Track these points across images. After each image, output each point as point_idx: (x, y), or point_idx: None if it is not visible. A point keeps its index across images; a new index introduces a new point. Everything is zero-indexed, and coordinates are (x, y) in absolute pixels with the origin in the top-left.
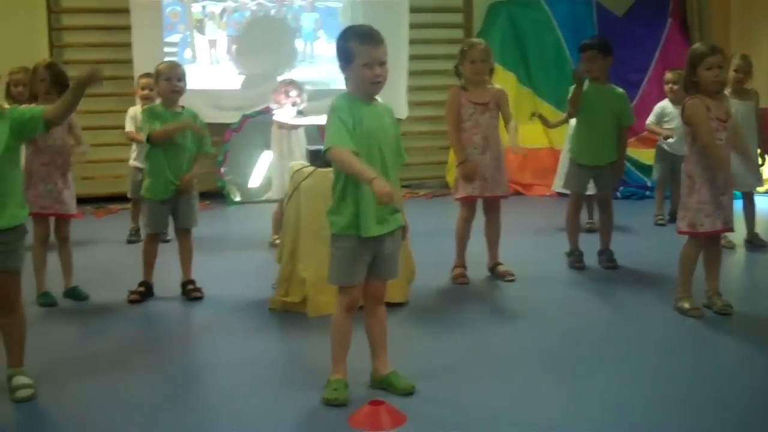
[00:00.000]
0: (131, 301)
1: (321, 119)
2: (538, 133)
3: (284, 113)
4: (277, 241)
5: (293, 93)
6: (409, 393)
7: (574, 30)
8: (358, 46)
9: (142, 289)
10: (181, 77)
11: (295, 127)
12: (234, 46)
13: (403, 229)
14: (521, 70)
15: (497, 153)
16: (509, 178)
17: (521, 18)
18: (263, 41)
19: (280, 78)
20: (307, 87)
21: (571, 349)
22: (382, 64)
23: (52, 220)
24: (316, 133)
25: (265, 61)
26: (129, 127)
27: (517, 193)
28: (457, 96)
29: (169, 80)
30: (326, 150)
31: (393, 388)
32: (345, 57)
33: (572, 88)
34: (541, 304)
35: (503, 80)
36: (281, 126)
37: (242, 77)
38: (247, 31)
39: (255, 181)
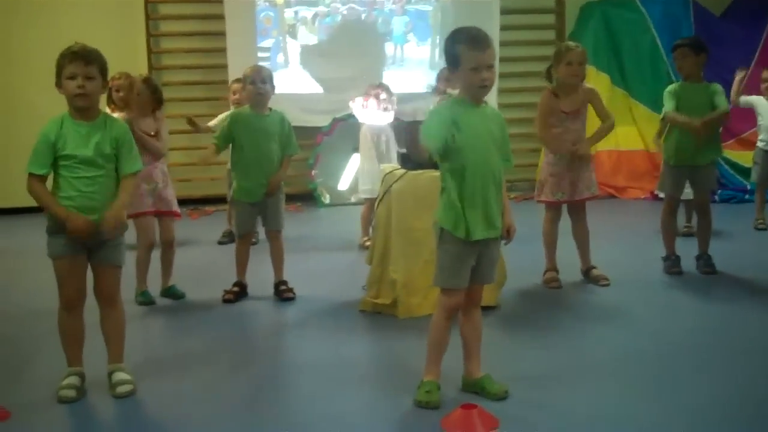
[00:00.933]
0: (226, 301)
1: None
2: (632, 136)
3: (369, 115)
4: (367, 243)
5: (383, 96)
6: (502, 398)
7: (670, 30)
8: (466, 50)
9: (236, 288)
10: (266, 80)
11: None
12: (325, 50)
13: (509, 229)
14: (615, 72)
15: (587, 157)
16: (602, 181)
17: (615, 18)
18: (353, 45)
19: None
20: (396, 90)
21: (666, 356)
22: (490, 67)
23: (156, 224)
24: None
25: (355, 65)
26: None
27: (611, 197)
28: (550, 101)
29: (254, 83)
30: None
31: (486, 392)
32: (452, 61)
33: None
34: (636, 309)
35: (596, 81)
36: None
37: (333, 81)
38: (338, 34)
39: (344, 183)
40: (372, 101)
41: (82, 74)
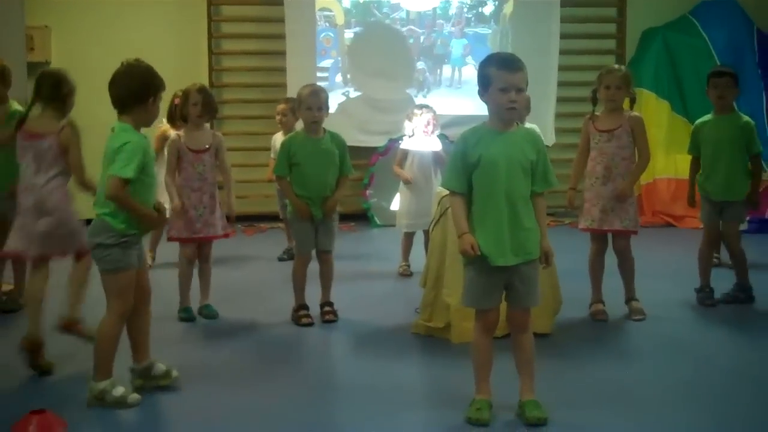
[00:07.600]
0: (306, 325)
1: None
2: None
3: (415, 139)
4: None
5: (429, 118)
6: (534, 424)
7: (733, 57)
8: (496, 71)
9: (306, 311)
10: (322, 106)
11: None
12: (380, 70)
13: (546, 254)
14: (676, 98)
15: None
16: (660, 210)
17: (677, 44)
18: (408, 66)
19: (416, 103)
20: (453, 112)
21: (716, 387)
22: (519, 91)
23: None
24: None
25: (410, 86)
26: (273, 154)
27: (669, 225)
28: (586, 125)
29: (310, 110)
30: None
31: (523, 416)
32: (483, 82)
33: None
34: (684, 340)
35: (656, 108)
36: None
37: (388, 102)
38: (394, 55)
39: (396, 204)
40: (419, 125)
41: None
